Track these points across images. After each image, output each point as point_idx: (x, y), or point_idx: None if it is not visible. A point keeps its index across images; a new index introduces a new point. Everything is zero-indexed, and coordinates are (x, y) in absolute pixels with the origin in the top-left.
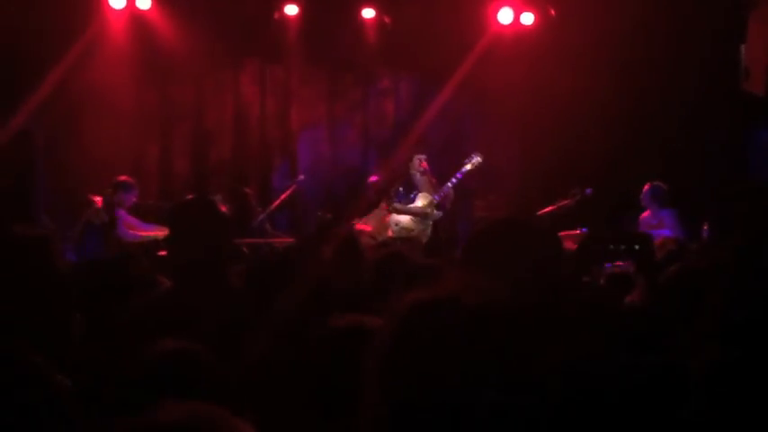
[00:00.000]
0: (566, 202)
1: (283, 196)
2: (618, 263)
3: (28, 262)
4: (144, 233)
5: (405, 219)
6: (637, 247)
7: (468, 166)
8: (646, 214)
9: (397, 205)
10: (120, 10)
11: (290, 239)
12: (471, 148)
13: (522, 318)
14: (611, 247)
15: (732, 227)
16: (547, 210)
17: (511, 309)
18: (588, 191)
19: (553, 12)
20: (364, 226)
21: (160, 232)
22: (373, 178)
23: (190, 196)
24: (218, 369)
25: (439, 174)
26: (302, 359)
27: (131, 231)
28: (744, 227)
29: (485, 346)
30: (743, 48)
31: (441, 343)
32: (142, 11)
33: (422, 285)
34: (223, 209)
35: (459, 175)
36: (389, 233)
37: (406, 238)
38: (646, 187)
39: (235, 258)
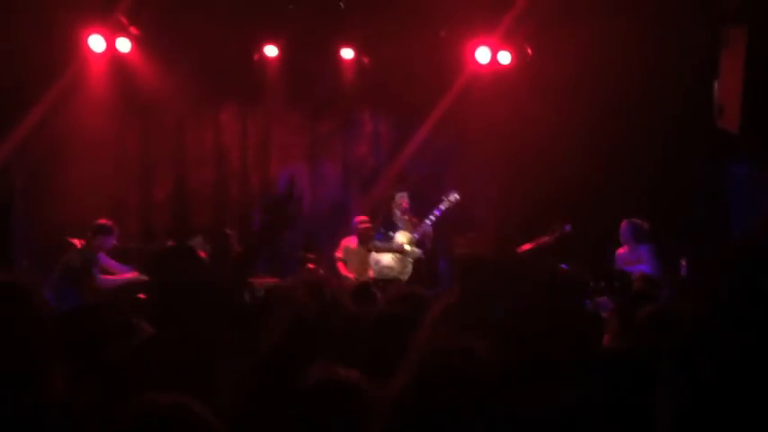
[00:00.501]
0: (545, 238)
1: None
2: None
3: (3, 310)
4: (122, 277)
5: (385, 258)
6: (617, 284)
7: (446, 204)
8: (623, 250)
9: (377, 244)
10: (101, 53)
11: (272, 280)
12: (450, 186)
13: (513, 374)
14: (591, 284)
15: (711, 272)
16: (527, 246)
17: (502, 369)
18: (567, 227)
19: (530, 51)
20: (344, 267)
21: (138, 275)
22: (360, 218)
23: (170, 243)
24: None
25: (418, 212)
26: (279, 410)
27: (107, 277)
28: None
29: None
30: (716, 85)
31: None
32: (122, 54)
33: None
34: (202, 255)
35: (437, 213)
36: (370, 273)
37: (386, 279)
38: (623, 224)
39: (217, 304)
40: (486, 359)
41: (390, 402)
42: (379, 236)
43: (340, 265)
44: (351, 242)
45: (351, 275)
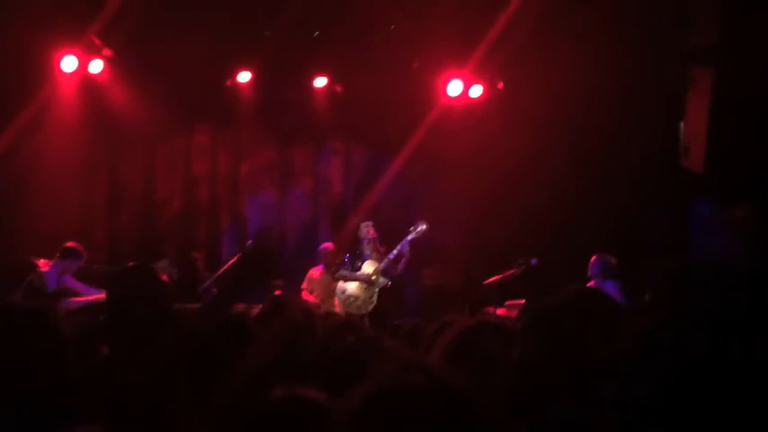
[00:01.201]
0: (512, 271)
1: (232, 261)
2: None
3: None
4: (87, 298)
5: (351, 286)
6: None
7: (414, 234)
8: (590, 284)
9: (344, 272)
10: (72, 73)
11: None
12: (420, 217)
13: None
14: None
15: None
16: (493, 279)
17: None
18: (534, 261)
19: (501, 85)
20: (309, 295)
21: (103, 296)
22: (326, 245)
23: (130, 263)
24: None
25: (387, 242)
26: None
27: (73, 299)
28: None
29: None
30: (682, 124)
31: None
32: (94, 75)
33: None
34: (164, 277)
35: (404, 243)
36: (335, 301)
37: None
38: (593, 258)
39: (176, 326)
40: (449, 383)
41: (350, 415)
42: (347, 264)
43: (305, 294)
44: (315, 272)
45: (315, 301)
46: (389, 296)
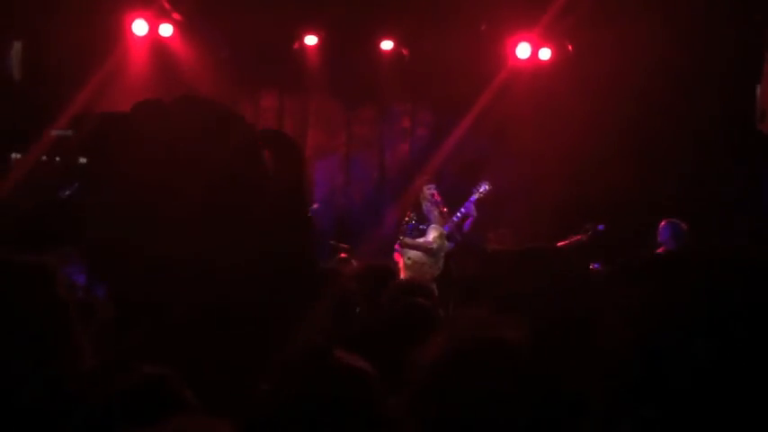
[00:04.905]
0: (578, 237)
1: None
2: None
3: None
4: None
5: (415, 252)
6: None
7: (477, 195)
8: (661, 251)
9: (408, 240)
10: (143, 37)
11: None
12: (485, 179)
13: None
14: None
15: None
16: (559, 244)
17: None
18: (601, 227)
19: (570, 47)
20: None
21: None
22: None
23: None
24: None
25: (451, 204)
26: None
27: None
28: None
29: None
30: (758, 88)
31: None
32: (163, 38)
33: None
34: None
35: (468, 204)
36: (401, 266)
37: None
38: (662, 223)
39: None
40: (517, 349)
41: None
42: (411, 227)
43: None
44: None
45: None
46: (454, 260)
